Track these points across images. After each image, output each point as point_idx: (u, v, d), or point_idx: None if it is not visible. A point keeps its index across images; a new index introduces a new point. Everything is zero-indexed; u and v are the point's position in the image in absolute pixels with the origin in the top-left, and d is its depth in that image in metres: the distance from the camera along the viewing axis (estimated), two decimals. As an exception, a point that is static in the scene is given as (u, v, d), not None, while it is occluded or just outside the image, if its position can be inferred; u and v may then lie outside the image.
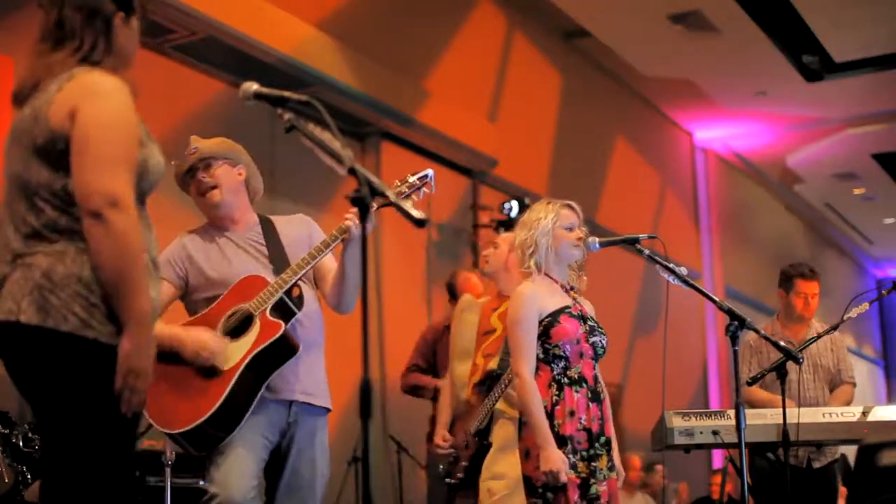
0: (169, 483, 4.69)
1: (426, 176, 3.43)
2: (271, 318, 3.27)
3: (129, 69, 2.50)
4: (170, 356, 3.23)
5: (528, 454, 3.56)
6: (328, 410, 3.51)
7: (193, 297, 3.43)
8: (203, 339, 3.22)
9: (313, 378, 3.44)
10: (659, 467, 9.04)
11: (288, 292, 3.31)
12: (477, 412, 4.29)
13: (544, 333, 3.60)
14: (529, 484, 3.54)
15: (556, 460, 3.44)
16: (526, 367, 3.56)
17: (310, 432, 3.41)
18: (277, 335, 3.25)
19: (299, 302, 3.36)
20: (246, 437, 3.25)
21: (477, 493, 4.25)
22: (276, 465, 3.36)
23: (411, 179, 3.44)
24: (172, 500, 4.62)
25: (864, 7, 9.16)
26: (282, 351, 3.27)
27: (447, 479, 4.40)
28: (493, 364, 4.27)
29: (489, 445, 4.21)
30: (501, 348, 4.27)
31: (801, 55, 10.16)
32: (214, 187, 3.43)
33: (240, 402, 3.21)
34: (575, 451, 3.52)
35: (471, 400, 4.35)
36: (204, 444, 3.26)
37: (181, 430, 3.18)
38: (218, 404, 3.17)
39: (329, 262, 3.51)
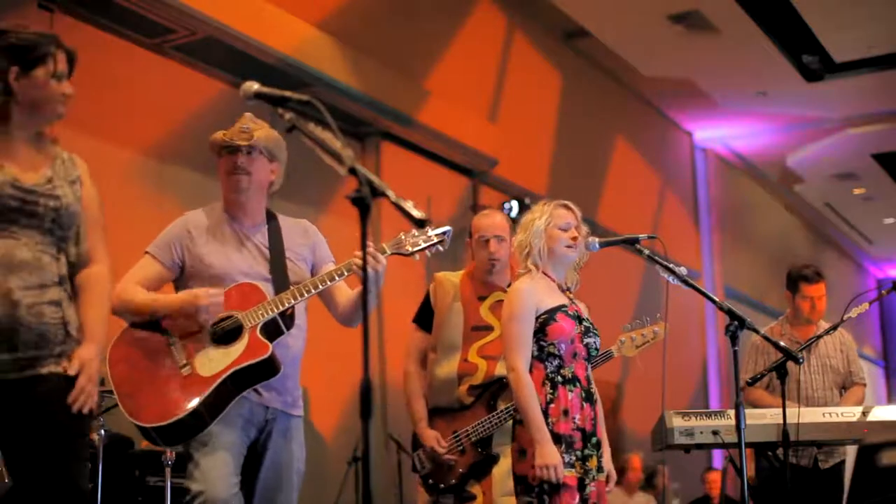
0: (169, 483, 4.69)
1: (445, 233, 3.45)
2: (260, 337, 3.28)
3: (42, 112, 2.88)
4: (154, 349, 3.28)
5: (524, 453, 3.54)
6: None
7: (188, 285, 3.43)
8: (199, 290, 3.27)
9: (293, 390, 3.48)
10: (661, 468, 9.07)
11: (282, 311, 3.33)
12: (472, 416, 4.16)
13: (540, 330, 3.59)
14: (524, 483, 3.53)
15: (552, 455, 3.44)
16: (521, 360, 3.55)
17: (286, 429, 3.44)
18: (263, 357, 3.26)
19: (290, 321, 3.39)
20: (226, 434, 3.27)
21: (460, 498, 4.18)
22: (252, 459, 3.39)
23: (430, 233, 3.47)
24: (172, 500, 4.62)
25: (864, 7, 9.16)
26: (263, 371, 3.29)
27: (430, 481, 4.23)
28: (501, 369, 4.13)
29: (493, 458, 4.13)
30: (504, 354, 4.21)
31: (801, 55, 10.16)
32: (247, 174, 3.44)
33: (211, 410, 3.23)
34: (570, 451, 3.51)
35: (464, 400, 4.20)
36: (172, 441, 3.32)
37: (151, 425, 3.21)
38: (190, 409, 3.19)
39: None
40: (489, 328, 4.22)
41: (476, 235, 4.30)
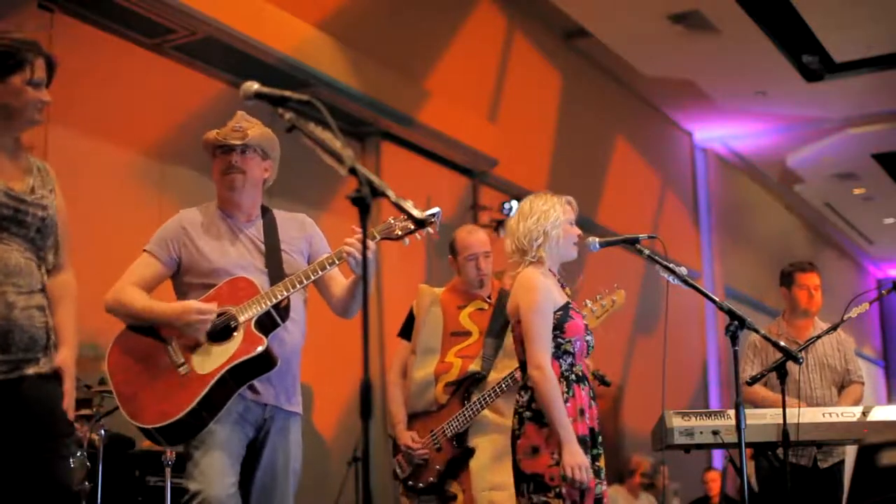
0: (169, 483, 4.69)
1: (434, 215, 3.42)
2: (255, 332, 3.28)
3: (18, 119, 2.87)
4: (151, 350, 3.29)
5: (536, 451, 3.48)
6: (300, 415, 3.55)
7: (185, 280, 3.45)
8: (191, 304, 3.26)
9: (291, 384, 3.48)
10: (662, 468, 9.08)
11: (276, 303, 3.32)
12: (448, 413, 4.20)
13: (558, 327, 3.53)
14: (536, 481, 3.47)
15: (581, 455, 3.39)
16: (546, 357, 3.46)
17: (284, 428, 3.44)
18: (258, 352, 3.26)
19: (285, 312, 3.38)
20: (224, 433, 3.28)
21: (442, 499, 4.19)
22: (250, 458, 3.40)
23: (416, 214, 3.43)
24: (172, 500, 4.62)
25: (864, 7, 9.16)
26: (260, 365, 3.30)
27: (409, 483, 4.27)
28: (474, 366, 4.21)
29: (468, 451, 4.16)
30: (481, 353, 4.24)
31: (801, 55, 10.16)
32: (242, 172, 3.45)
33: (211, 407, 3.24)
34: (585, 452, 3.48)
35: (441, 400, 4.25)
36: (174, 440, 3.34)
37: (152, 426, 3.23)
38: (190, 408, 3.20)
39: (333, 270, 3.51)
40: (468, 333, 4.31)
41: (466, 253, 4.36)
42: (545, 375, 3.44)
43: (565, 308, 3.57)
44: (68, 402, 2.88)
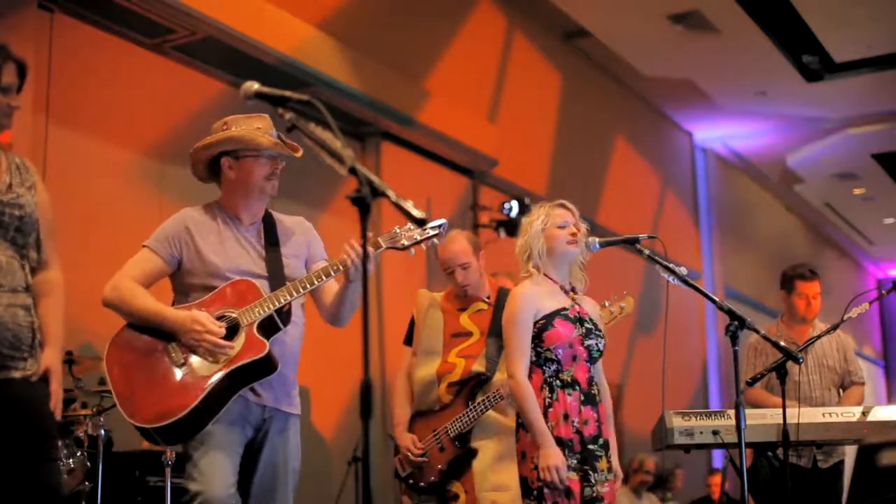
0: (169, 483, 4.69)
1: (440, 226, 3.42)
2: (257, 335, 3.28)
3: None
4: (151, 349, 3.28)
5: (525, 456, 3.57)
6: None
7: (185, 280, 3.43)
8: (203, 322, 3.24)
9: (290, 386, 3.49)
10: (679, 471, 9.19)
11: (279, 308, 3.33)
12: (452, 413, 4.21)
13: (537, 337, 3.61)
14: (525, 485, 3.56)
15: (556, 456, 3.44)
16: (520, 368, 3.58)
17: (283, 429, 3.44)
18: (260, 356, 3.26)
19: (287, 317, 3.38)
20: (224, 434, 3.28)
21: (442, 499, 4.20)
22: (248, 458, 3.40)
23: (426, 226, 3.43)
24: (172, 499, 4.62)
25: (864, 7, 9.16)
26: (261, 369, 3.30)
27: (411, 481, 4.27)
28: (478, 366, 4.21)
29: (470, 452, 4.17)
30: (483, 353, 4.24)
31: (801, 55, 10.16)
32: (277, 179, 3.49)
33: (210, 408, 3.24)
34: (571, 454, 3.52)
35: (444, 399, 4.25)
36: (172, 440, 3.33)
37: (151, 426, 3.22)
38: (189, 408, 3.20)
39: None
40: (469, 334, 4.31)
41: (444, 267, 4.37)
42: (516, 382, 3.58)
43: (549, 317, 3.61)
44: (55, 403, 2.87)
